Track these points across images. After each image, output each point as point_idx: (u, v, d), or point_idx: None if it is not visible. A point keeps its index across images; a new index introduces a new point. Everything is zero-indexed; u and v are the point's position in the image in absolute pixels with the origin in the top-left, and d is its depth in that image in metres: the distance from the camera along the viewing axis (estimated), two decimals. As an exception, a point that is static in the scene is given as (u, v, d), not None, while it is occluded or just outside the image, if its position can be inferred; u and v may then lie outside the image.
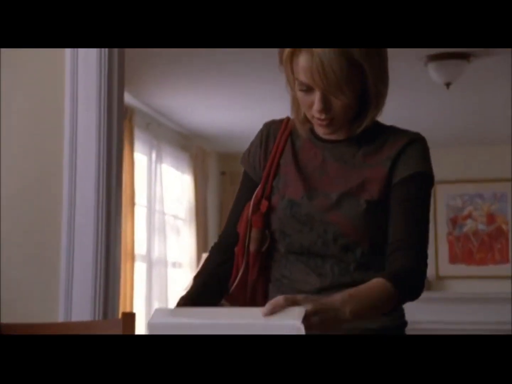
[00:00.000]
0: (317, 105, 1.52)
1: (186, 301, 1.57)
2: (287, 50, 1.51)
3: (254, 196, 1.64)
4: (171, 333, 1.27)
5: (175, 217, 6.43)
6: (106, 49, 2.45)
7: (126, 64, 4.70)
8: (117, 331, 1.85)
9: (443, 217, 7.46)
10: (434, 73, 4.60)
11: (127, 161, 5.21)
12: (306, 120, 1.63)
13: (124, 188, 5.14)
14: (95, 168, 2.44)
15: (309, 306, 1.26)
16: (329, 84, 1.47)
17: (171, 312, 1.39)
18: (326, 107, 1.52)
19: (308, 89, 1.52)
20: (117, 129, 2.49)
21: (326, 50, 1.45)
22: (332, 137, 1.63)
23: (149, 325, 1.29)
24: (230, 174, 7.19)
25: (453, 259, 7.40)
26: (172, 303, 4.32)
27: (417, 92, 5.41)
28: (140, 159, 5.69)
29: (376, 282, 1.43)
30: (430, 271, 7.35)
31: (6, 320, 2.18)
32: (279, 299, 1.26)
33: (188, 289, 1.63)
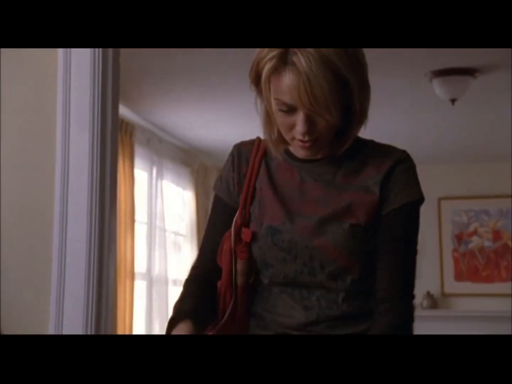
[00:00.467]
0: (301, 127, 1.41)
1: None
2: (266, 69, 1.40)
3: (233, 224, 1.52)
4: None
5: (176, 233, 6.36)
6: (100, 50, 2.36)
7: (126, 80, 4.66)
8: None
9: (448, 233, 7.38)
10: (439, 89, 4.54)
11: (127, 177, 5.16)
12: (281, 141, 1.52)
13: (124, 205, 5.10)
14: (87, 181, 2.36)
15: None
16: (317, 103, 1.37)
17: None
18: (310, 128, 1.42)
19: (290, 110, 1.41)
20: (111, 140, 2.39)
21: (313, 66, 1.35)
22: (309, 156, 1.53)
23: None
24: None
25: (459, 276, 7.30)
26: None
27: (422, 107, 5.35)
28: (141, 176, 5.63)
29: None
30: (435, 288, 7.26)
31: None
32: None
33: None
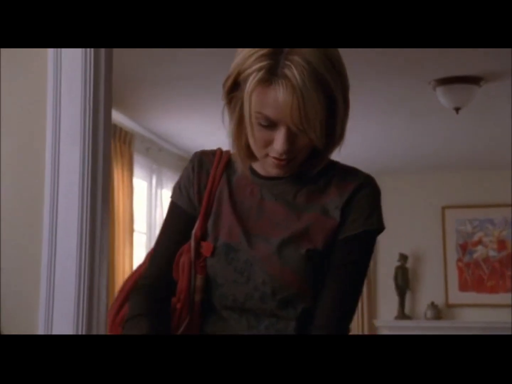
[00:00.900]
0: (281, 145, 1.32)
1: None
2: (252, 80, 1.29)
3: (193, 237, 1.43)
4: None
5: (176, 243, 6.27)
6: (92, 50, 2.27)
7: (126, 88, 4.60)
8: None
9: (452, 242, 7.30)
10: (443, 98, 4.47)
11: (125, 187, 5.10)
12: (249, 156, 1.43)
13: (122, 215, 5.03)
14: (78, 186, 2.27)
15: None
16: (308, 122, 1.28)
17: None
18: (289, 146, 1.33)
19: (270, 125, 1.32)
20: (104, 144, 2.30)
21: (307, 81, 1.26)
22: (270, 173, 1.44)
23: None
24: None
25: (463, 287, 7.21)
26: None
27: (426, 115, 5.29)
28: (140, 185, 5.56)
29: None
30: (440, 299, 7.18)
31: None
32: None
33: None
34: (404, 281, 7.24)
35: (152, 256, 1.49)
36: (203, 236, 1.43)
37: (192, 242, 1.43)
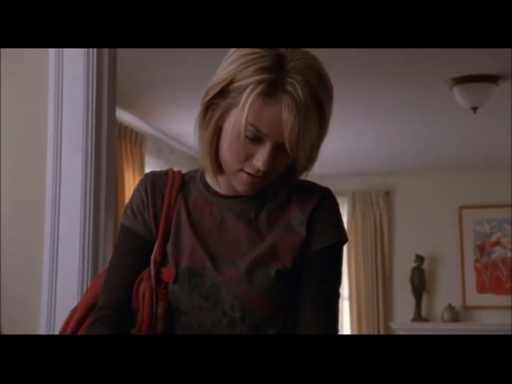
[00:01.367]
0: (263, 161, 1.28)
1: None
2: (252, 92, 1.24)
3: (152, 263, 1.36)
4: None
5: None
6: (95, 50, 2.21)
7: (136, 89, 4.55)
8: None
9: (470, 243, 7.21)
10: (460, 97, 4.40)
11: (137, 188, 5.06)
12: (219, 171, 1.38)
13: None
14: (80, 189, 2.22)
15: None
16: (304, 143, 1.26)
17: None
18: (271, 163, 1.29)
19: (256, 138, 1.27)
20: (107, 147, 2.24)
21: (308, 101, 1.23)
22: (230, 191, 1.39)
23: None
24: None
25: (481, 288, 7.11)
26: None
27: (443, 115, 5.23)
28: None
29: None
30: (457, 301, 7.08)
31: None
32: None
33: None
34: (421, 283, 7.15)
35: (105, 285, 1.40)
36: (162, 262, 1.36)
37: (152, 268, 1.35)
